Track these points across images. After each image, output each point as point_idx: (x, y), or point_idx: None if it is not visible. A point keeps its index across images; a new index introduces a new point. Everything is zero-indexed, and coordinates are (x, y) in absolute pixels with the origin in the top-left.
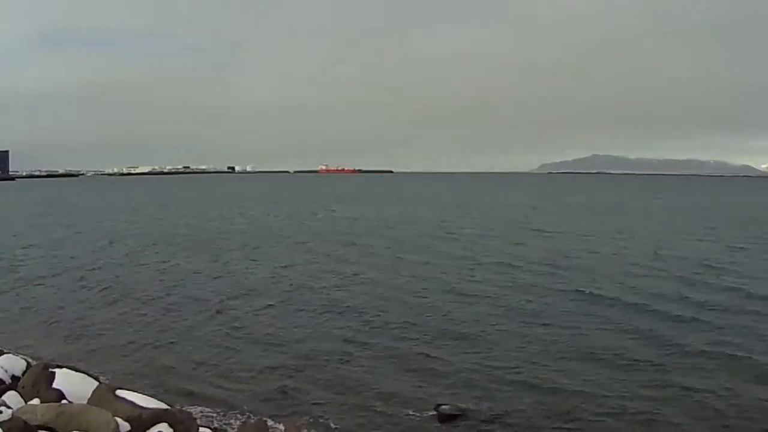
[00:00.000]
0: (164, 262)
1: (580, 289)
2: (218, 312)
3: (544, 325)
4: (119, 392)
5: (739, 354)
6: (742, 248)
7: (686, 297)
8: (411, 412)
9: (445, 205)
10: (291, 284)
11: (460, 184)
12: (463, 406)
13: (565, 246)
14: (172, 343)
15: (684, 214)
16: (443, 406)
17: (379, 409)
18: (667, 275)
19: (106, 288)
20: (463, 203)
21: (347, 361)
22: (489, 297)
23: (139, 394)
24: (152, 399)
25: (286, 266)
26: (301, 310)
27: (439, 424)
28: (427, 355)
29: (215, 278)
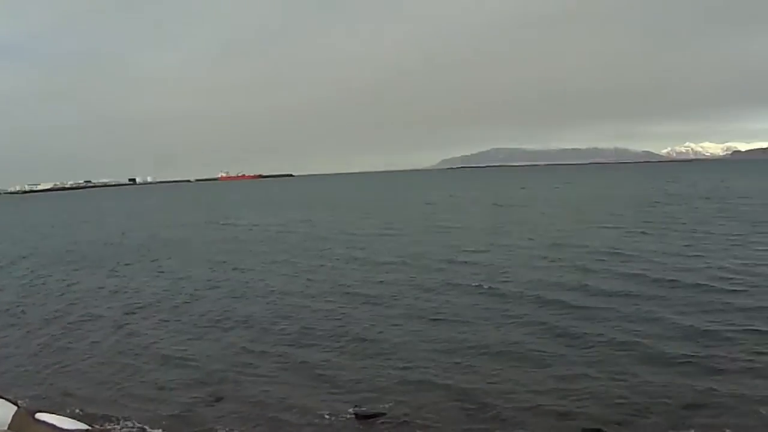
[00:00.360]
0: (63, 280)
1: (481, 284)
2: (118, 328)
3: (447, 322)
4: (39, 415)
5: (642, 340)
6: (643, 233)
7: (587, 286)
8: (327, 417)
9: (343, 206)
10: (189, 295)
11: (359, 184)
12: (381, 406)
13: (465, 241)
14: (75, 363)
15: (584, 201)
16: (360, 408)
17: (292, 420)
18: (568, 265)
19: (5, 310)
20: (362, 203)
21: (251, 372)
22: (389, 297)
23: (59, 416)
24: (72, 420)
25: (182, 278)
26: (199, 323)
27: (358, 426)
28: (332, 361)
29: (113, 294)
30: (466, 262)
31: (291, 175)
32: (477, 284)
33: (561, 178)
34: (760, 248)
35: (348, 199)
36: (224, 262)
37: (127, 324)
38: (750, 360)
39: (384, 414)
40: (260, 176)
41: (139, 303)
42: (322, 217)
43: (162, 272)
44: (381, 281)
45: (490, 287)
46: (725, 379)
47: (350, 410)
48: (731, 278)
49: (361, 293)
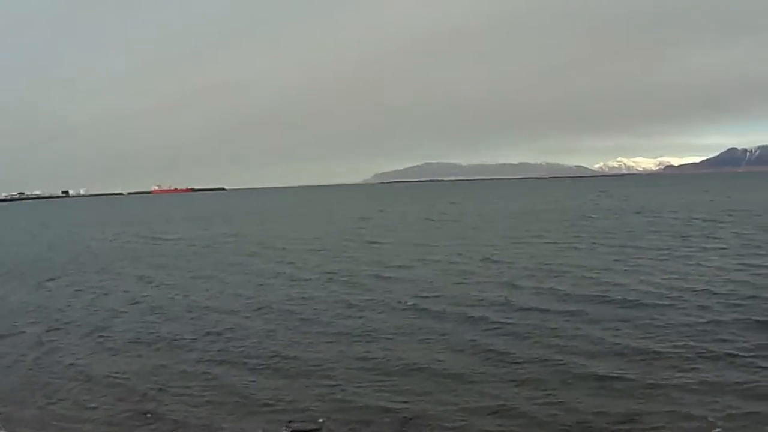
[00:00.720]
0: None
1: (409, 301)
2: (39, 345)
3: (375, 340)
4: None
5: (572, 358)
6: (574, 248)
7: (516, 302)
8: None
9: (273, 220)
10: (113, 311)
11: (292, 198)
12: (313, 423)
13: (394, 257)
14: None
15: (516, 216)
16: (295, 423)
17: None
18: (497, 281)
19: None
20: (293, 217)
21: (176, 392)
22: (316, 314)
23: None
24: None
25: (108, 293)
26: (122, 339)
27: None
28: (259, 379)
29: (36, 310)
30: (394, 278)
31: (223, 189)
32: (405, 301)
33: (493, 193)
34: (689, 262)
35: (279, 213)
36: (150, 277)
37: (50, 341)
38: (680, 377)
39: (319, 430)
40: (192, 189)
41: (62, 319)
42: (252, 231)
43: (88, 287)
44: (308, 297)
45: (417, 304)
46: (657, 397)
47: (284, 428)
48: (660, 293)
49: (287, 310)
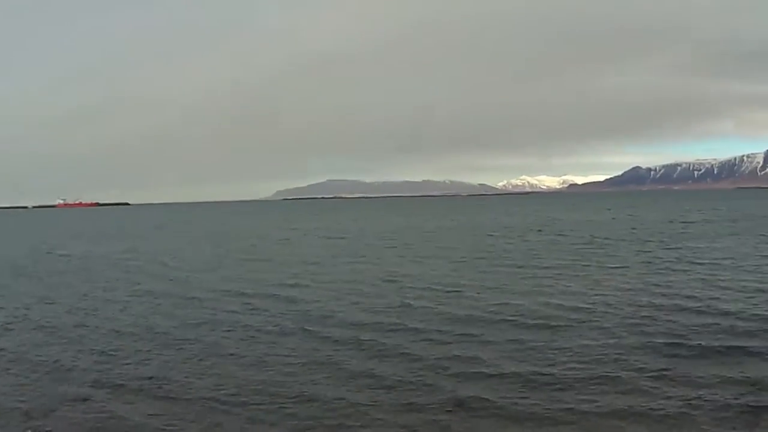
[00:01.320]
0: None
1: (297, 322)
2: None
3: (255, 363)
4: None
5: (457, 385)
6: (470, 267)
7: (407, 324)
8: None
9: (173, 236)
10: None
11: (194, 214)
12: None
13: (287, 275)
14: None
15: (414, 234)
16: None
17: None
18: (387, 301)
19: None
20: (193, 234)
21: (57, 415)
22: (198, 336)
23: None
24: None
25: None
26: None
27: None
28: (137, 405)
29: None
30: (285, 297)
31: (127, 204)
32: (294, 322)
33: (394, 210)
34: (585, 282)
35: (178, 229)
36: (37, 295)
37: None
38: (580, 401)
39: None
40: (97, 204)
41: None
42: (148, 248)
43: None
44: (193, 320)
45: (306, 325)
46: (558, 425)
47: None
48: (559, 314)
49: (169, 333)
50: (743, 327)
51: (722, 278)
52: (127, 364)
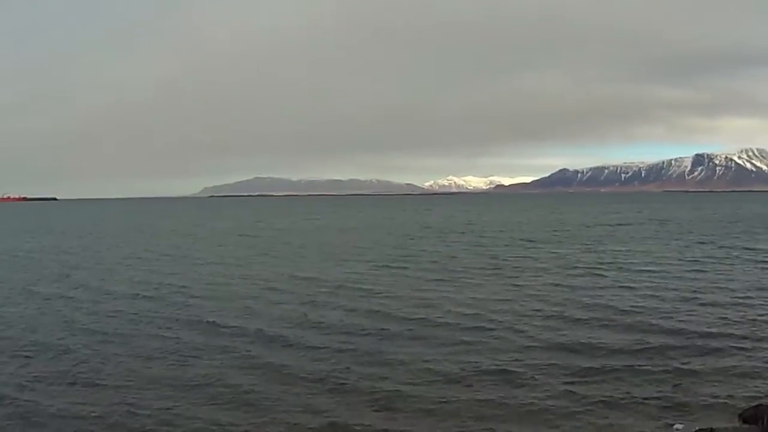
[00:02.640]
0: None
1: (208, 318)
2: None
3: (169, 358)
4: None
5: (376, 383)
6: (387, 267)
7: (317, 322)
8: None
9: (96, 232)
10: None
11: (120, 210)
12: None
13: (204, 273)
14: None
15: (336, 233)
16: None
17: None
18: (299, 301)
19: None
20: (116, 230)
21: None
22: (116, 332)
23: None
24: None
25: None
26: None
27: None
28: (57, 399)
29: None
30: (200, 295)
31: (55, 199)
32: (207, 318)
33: (319, 209)
34: (498, 286)
35: (104, 226)
36: None
37: None
38: (501, 402)
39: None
40: (25, 198)
41: None
42: (71, 245)
43: None
44: (111, 314)
45: (218, 321)
46: (453, 419)
47: None
48: (475, 314)
49: (88, 328)
50: (654, 329)
51: (638, 282)
52: (37, 357)
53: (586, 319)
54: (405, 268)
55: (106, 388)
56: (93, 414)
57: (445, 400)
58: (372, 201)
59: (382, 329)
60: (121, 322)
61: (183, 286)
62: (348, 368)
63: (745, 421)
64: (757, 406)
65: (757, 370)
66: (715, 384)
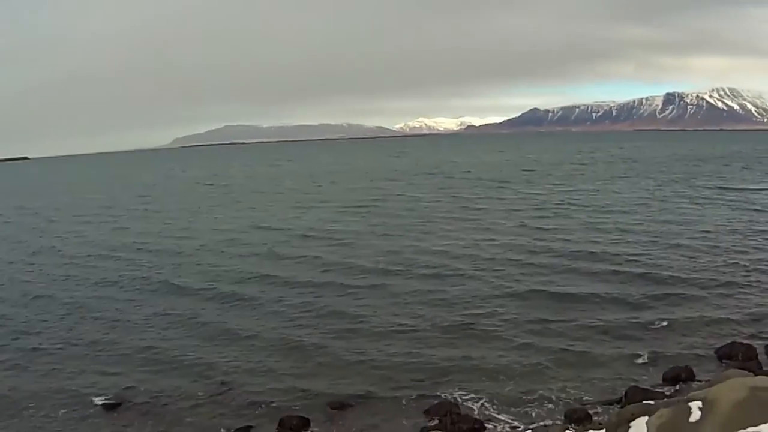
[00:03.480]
0: None
1: (159, 275)
2: None
3: (101, 316)
4: None
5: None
6: (349, 212)
7: (270, 275)
8: (67, 410)
9: (62, 191)
10: None
11: (91, 166)
12: (121, 393)
13: (162, 225)
14: None
15: (303, 178)
16: (98, 398)
17: (29, 414)
18: (257, 251)
19: None
20: (82, 187)
21: None
22: (61, 290)
23: None
24: None
25: None
26: None
27: (100, 417)
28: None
29: None
30: (153, 250)
31: (26, 158)
32: (157, 275)
33: (288, 155)
34: (466, 226)
35: (72, 183)
36: None
37: None
38: (464, 356)
39: (123, 403)
40: None
41: None
42: (36, 206)
43: None
44: (63, 276)
45: (169, 278)
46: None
47: (91, 401)
48: (438, 263)
49: (27, 289)
50: (624, 273)
51: (607, 224)
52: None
53: (553, 265)
54: (370, 213)
55: (52, 348)
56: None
57: (408, 353)
58: (343, 145)
59: (346, 281)
60: (78, 283)
61: (144, 243)
62: (310, 324)
63: (720, 358)
64: (731, 343)
65: (727, 312)
66: (688, 327)
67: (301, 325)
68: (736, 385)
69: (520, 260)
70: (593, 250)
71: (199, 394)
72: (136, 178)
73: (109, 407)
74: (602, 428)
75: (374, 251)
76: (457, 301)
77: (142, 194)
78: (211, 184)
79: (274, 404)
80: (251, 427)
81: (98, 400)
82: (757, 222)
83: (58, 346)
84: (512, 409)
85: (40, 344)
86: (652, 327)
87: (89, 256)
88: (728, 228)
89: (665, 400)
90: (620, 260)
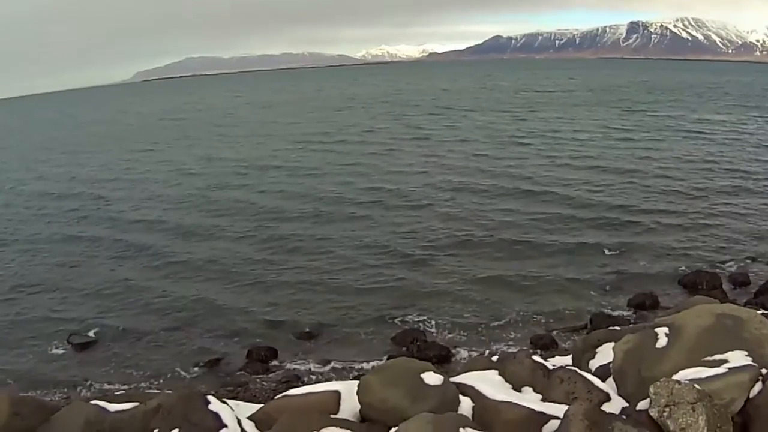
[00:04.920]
0: None
1: (118, 213)
2: None
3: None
4: None
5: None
6: (307, 143)
7: (229, 207)
8: (33, 353)
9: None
10: None
11: (46, 105)
12: (86, 332)
13: (116, 161)
14: None
15: (262, 110)
16: (74, 336)
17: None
18: (204, 183)
19: None
20: (32, 129)
21: None
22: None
23: None
24: None
25: None
26: None
27: (75, 354)
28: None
29: None
30: (102, 187)
31: None
32: (105, 212)
33: (249, 85)
34: (419, 153)
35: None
36: None
37: None
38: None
39: (97, 341)
40: None
41: None
42: None
43: None
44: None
45: (119, 215)
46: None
47: (67, 339)
48: (391, 190)
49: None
50: (583, 203)
51: (562, 152)
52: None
53: (509, 192)
54: (324, 143)
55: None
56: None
57: (372, 282)
58: (304, 74)
59: (303, 212)
60: (24, 223)
61: (94, 180)
62: (270, 258)
63: (684, 287)
64: (696, 272)
65: (691, 241)
66: (652, 255)
67: (261, 258)
68: (703, 312)
69: (474, 189)
70: (552, 178)
71: (165, 329)
72: (90, 115)
73: (77, 347)
74: (568, 354)
75: (325, 182)
76: (420, 230)
77: (95, 130)
78: (166, 119)
79: (241, 336)
80: (220, 359)
81: (63, 341)
82: (714, 154)
83: (19, 289)
84: (478, 336)
85: None
86: (615, 255)
87: (43, 195)
88: (689, 157)
89: (631, 326)
90: (580, 189)
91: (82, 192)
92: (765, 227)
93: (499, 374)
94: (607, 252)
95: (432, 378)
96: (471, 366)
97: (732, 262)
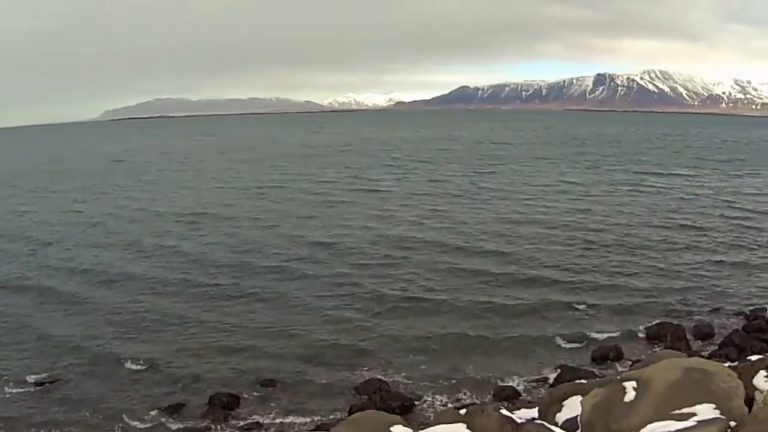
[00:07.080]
0: None
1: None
2: None
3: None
4: None
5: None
6: (255, 191)
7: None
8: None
9: None
10: None
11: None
12: (47, 378)
13: (72, 202)
14: None
15: (217, 155)
16: (31, 376)
17: None
18: (167, 227)
19: None
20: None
21: None
22: None
23: None
24: None
25: None
26: None
27: (27, 400)
28: None
29: None
30: (49, 231)
31: None
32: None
33: (213, 129)
34: (367, 208)
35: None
36: None
37: None
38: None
39: (53, 382)
40: None
41: None
42: None
43: None
44: None
45: (74, 264)
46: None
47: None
48: (334, 243)
49: None
50: (538, 258)
51: (510, 210)
52: None
53: (461, 248)
54: (265, 195)
55: None
56: None
57: (335, 331)
58: (271, 119)
59: (262, 263)
60: None
61: (39, 221)
62: (232, 306)
63: (649, 338)
64: (660, 323)
65: (653, 294)
66: (614, 309)
67: (223, 305)
68: (671, 366)
69: (441, 244)
70: (502, 234)
71: (127, 374)
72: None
73: (37, 392)
74: (534, 406)
75: (270, 234)
76: (380, 282)
77: (46, 169)
78: (119, 161)
79: (203, 382)
80: (182, 405)
81: (21, 386)
82: (679, 208)
83: None
84: (441, 387)
85: None
86: (578, 308)
87: None
88: (648, 213)
89: (598, 379)
90: (539, 245)
91: (28, 233)
92: (726, 281)
93: (467, 428)
94: (568, 305)
95: None
96: (439, 419)
97: (695, 314)
